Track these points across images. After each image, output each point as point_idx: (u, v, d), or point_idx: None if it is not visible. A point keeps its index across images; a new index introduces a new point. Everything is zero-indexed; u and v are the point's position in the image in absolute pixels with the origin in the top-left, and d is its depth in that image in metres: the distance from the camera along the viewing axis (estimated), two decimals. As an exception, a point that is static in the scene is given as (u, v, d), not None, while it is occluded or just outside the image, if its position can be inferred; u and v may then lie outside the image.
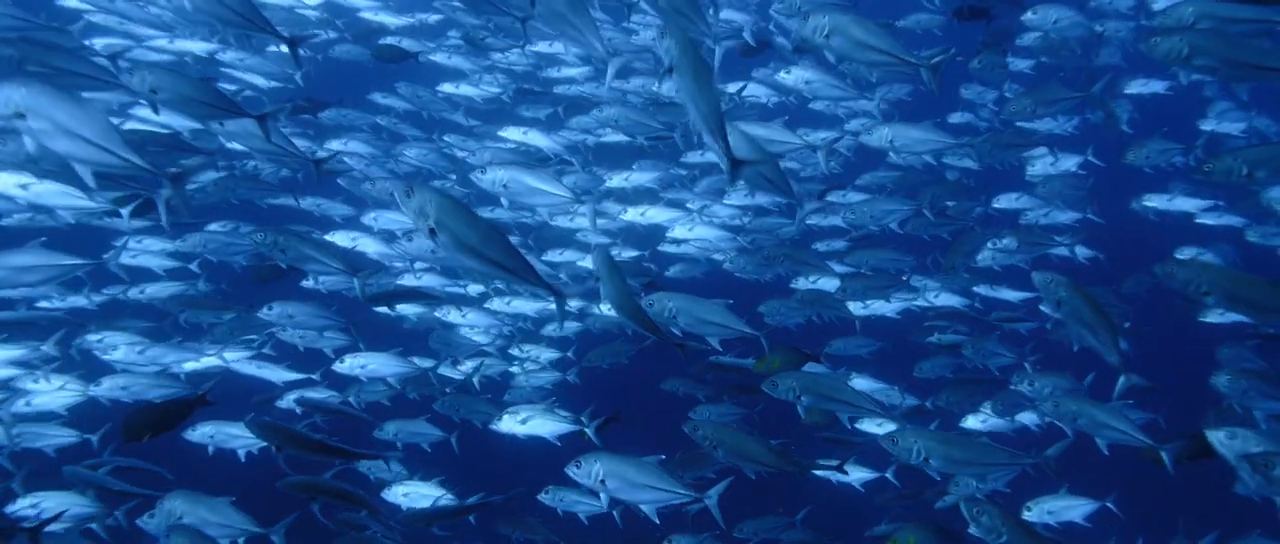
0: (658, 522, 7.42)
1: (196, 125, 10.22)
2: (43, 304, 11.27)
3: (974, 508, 6.79)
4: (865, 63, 6.93)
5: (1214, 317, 11.09)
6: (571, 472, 7.15)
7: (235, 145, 10.35)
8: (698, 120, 5.64)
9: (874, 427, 10.54)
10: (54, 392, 10.62)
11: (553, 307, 12.55)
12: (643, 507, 7.20)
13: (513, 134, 11.33)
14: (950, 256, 11.75)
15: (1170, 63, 6.94)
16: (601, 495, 7.22)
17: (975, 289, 12.62)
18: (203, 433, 9.83)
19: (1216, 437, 6.43)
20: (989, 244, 11.67)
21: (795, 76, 9.23)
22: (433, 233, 5.02)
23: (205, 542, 7.67)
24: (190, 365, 10.78)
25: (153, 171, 5.83)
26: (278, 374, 11.16)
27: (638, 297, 7.29)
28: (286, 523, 8.15)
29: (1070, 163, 12.72)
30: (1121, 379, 6.96)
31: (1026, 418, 10.85)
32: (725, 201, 12.10)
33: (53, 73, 7.23)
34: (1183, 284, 6.16)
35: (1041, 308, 12.32)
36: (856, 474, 10.84)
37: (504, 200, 8.33)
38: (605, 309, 12.32)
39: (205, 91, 6.98)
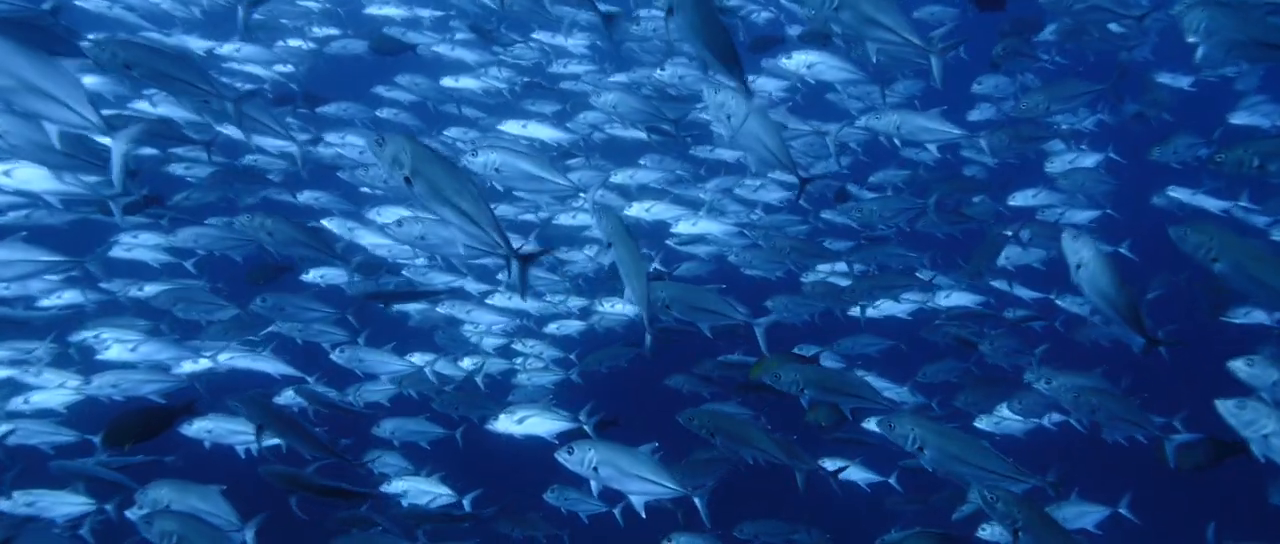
0: (644, 516, 7.20)
1: (195, 117, 10.16)
2: (45, 303, 11.17)
3: (989, 492, 6.46)
4: (873, 41, 6.68)
5: (1239, 317, 10.74)
6: (562, 458, 6.94)
7: (230, 131, 10.30)
8: (706, 53, 5.45)
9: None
10: (51, 390, 10.54)
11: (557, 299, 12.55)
12: (632, 497, 6.99)
13: (512, 127, 11.13)
14: (974, 262, 11.41)
15: (1193, 35, 6.77)
16: (592, 483, 6.95)
17: (994, 284, 12.27)
18: (200, 427, 9.63)
19: (1225, 407, 6.15)
20: (1013, 239, 11.34)
21: (797, 61, 8.94)
22: (408, 182, 4.95)
23: (195, 525, 7.38)
24: (187, 367, 10.61)
25: (109, 130, 5.63)
26: (275, 367, 11.00)
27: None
28: (258, 522, 7.88)
29: (1089, 160, 12.40)
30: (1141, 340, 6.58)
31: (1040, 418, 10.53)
32: (737, 191, 11.88)
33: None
34: (1194, 248, 5.91)
35: (1056, 302, 11.99)
36: (862, 475, 10.59)
37: (497, 185, 8.08)
38: (608, 307, 12.14)
39: (182, 68, 6.75)
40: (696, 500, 7.12)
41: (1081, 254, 6.15)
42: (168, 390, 10.10)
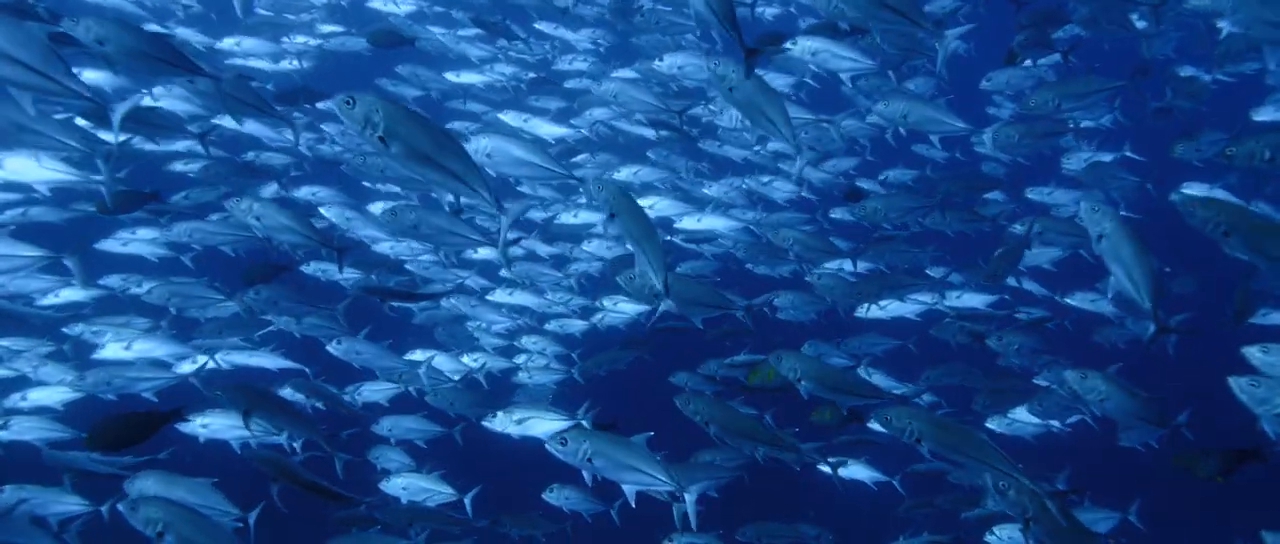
0: (634, 505, 7.05)
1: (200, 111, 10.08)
2: (44, 301, 11.09)
3: (1000, 481, 6.29)
4: (879, 23, 6.59)
5: (1261, 318, 10.47)
6: (555, 449, 6.78)
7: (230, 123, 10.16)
8: (704, 10, 5.39)
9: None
10: (49, 387, 10.44)
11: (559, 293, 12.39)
12: (624, 487, 6.84)
13: (512, 119, 10.95)
14: (993, 264, 11.13)
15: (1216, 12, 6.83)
16: (585, 473, 6.83)
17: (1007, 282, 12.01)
18: (196, 423, 9.47)
19: (1238, 383, 5.96)
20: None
21: (801, 47, 8.72)
22: (383, 143, 4.75)
23: (181, 512, 7.15)
24: (186, 367, 10.48)
25: (92, 100, 5.47)
26: (274, 362, 10.86)
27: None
28: (260, 509, 7.73)
29: (1106, 157, 12.13)
30: (1151, 327, 6.39)
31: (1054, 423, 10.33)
32: (747, 183, 11.69)
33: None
34: (1202, 223, 5.80)
35: (1067, 301, 11.70)
36: (868, 474, 10.47)
37: (490, 171, 7.89)
38: (611, 304, 11.97)
39: (158, 46, 6.55)
40: (686, 498, 6.90)
41: (1103, 225, 6.00)
42: (161, 388, 9.98)
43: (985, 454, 6.42)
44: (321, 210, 10.39)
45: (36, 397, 10.54)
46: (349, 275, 11.28)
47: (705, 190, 12.10)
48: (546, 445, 6.81)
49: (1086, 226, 6.08)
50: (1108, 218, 5.99)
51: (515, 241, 8.22)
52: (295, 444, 9.30)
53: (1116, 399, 7.22)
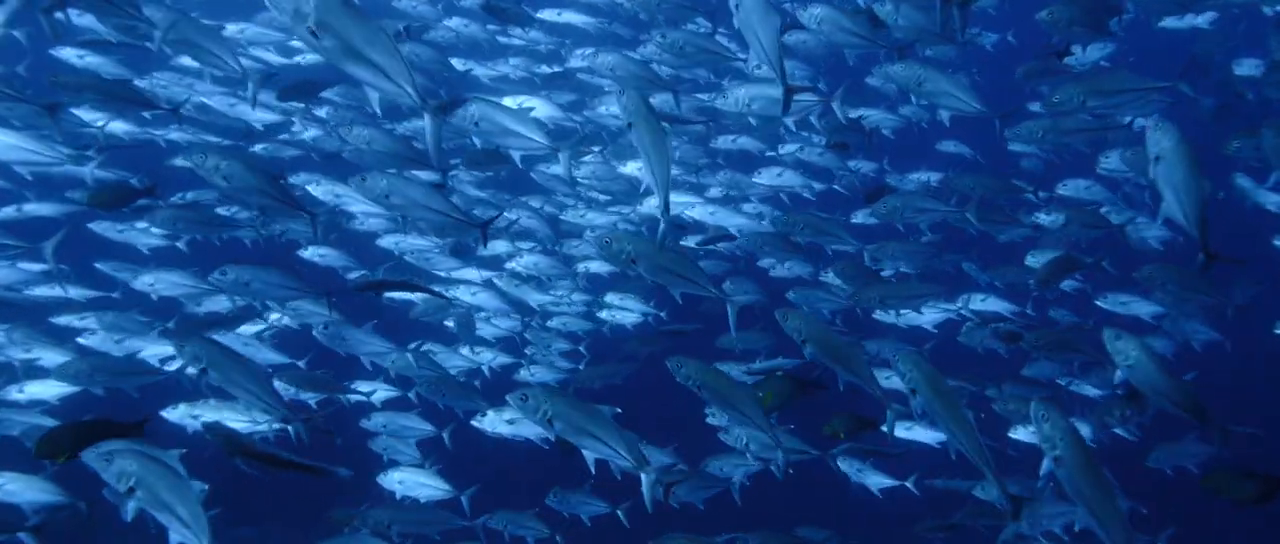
0: (593, 471, 6.95)
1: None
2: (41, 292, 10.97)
3: (1041, 409, 5.81)
4: None
5: None
6: (515, 402, 6.53)
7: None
8: None
9: (903, 430, 9.99)
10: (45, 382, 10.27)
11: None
12: (583, 453, 6.64)
13: (508, 103, 10.62)
14: (1043, 271, 10.55)
15: None
16: (550, 434, 6.74)
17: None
18: (182, 413, 9.31)
19: None
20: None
21: (808, 14, 8.30)
22: (314, 35, 4.70)
23: (153, 466, 6.78)
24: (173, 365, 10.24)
25: None
26: (265, 356, 10.62)
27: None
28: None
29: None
30: (1201, 256, 6.18)
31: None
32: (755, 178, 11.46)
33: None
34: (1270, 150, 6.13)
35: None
36: (876, 480, 10.26)
37: (477, 140, 7.78)
38: (618, 299, 11.64)
39: None
40: (643, 477, 6.62)
41: (1162, 144, 5.75)
42: (147, 384, 9.80)
43: (967, 439, 6.18)
44: (309, 189, 10.10)
45: (32, 390, 10.34)
46: (333, 260, 11.01)
47: (715, 181, 11.82)
48: (507, 398, 6.57)
49: (1147, 146, 5.85)
50: (1168, 136, 5.74)
51: (493, 220, 8.01)
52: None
53: (1146, 370, 6.55)
